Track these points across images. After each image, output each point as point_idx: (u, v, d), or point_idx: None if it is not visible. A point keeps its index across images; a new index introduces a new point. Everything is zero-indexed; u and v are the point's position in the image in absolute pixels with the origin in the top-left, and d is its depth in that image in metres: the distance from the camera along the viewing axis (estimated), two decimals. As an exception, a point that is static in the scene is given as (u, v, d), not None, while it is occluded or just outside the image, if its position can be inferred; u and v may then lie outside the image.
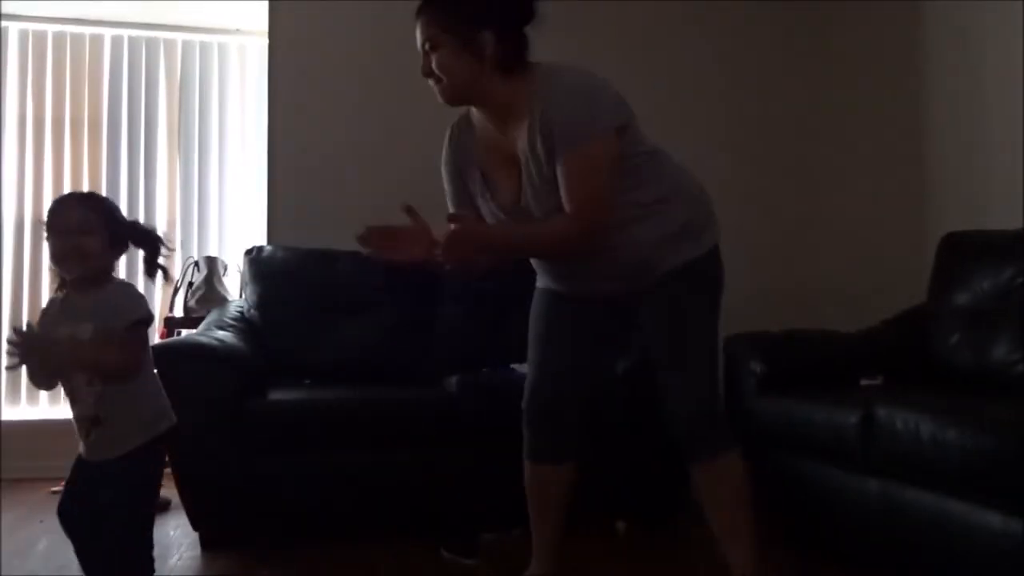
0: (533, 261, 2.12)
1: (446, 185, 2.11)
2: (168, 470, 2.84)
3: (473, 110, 2.01)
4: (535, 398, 2.14)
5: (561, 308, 2.11)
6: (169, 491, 3.02)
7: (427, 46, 1.87)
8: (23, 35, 3.95)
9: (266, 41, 3.76)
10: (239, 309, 3.26)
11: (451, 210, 2.06)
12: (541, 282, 2.17)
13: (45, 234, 1.72)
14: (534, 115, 1.85)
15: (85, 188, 3.98)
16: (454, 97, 1.91)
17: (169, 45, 4.07)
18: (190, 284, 3.50)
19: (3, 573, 2.37)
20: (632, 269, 1.96)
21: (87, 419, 1.67)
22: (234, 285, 3.66)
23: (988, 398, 2.29)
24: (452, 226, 1.85)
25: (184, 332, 3.32)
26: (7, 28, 3.91)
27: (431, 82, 1.90)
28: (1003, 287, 2.63)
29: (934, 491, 2.03)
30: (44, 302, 3.94)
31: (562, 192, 1.84)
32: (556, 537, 2.18)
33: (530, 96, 1.86)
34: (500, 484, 2.73)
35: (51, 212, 1.74)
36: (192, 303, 3.45)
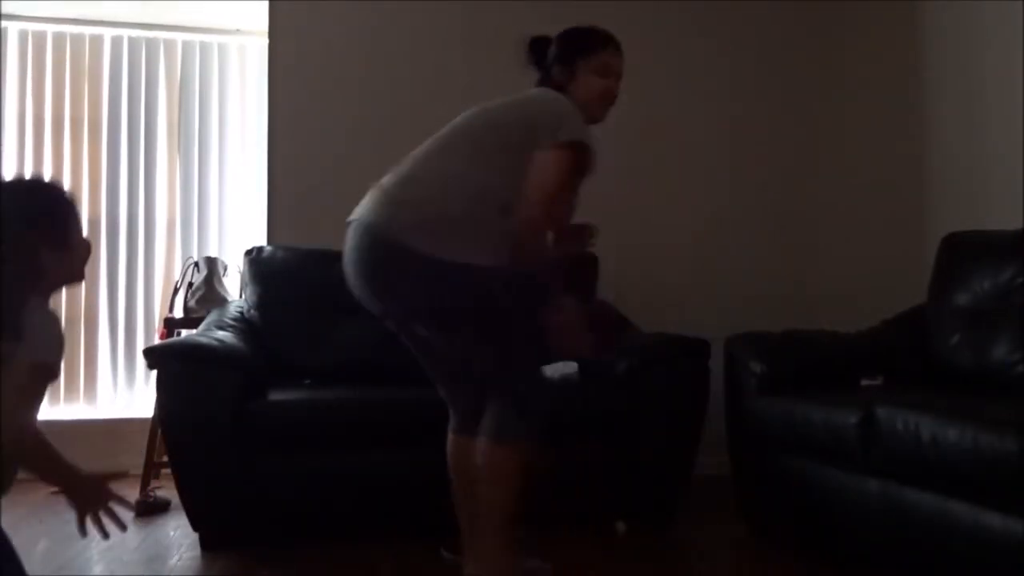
0: None
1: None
2: (168, 470, 2.86)
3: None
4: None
5: None
6: (169, 491, 3.03)
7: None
8: (23, 35, 3.95)
9: (266, 41, 3.76)
10: (239, 309, 3.26)
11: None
12: None
13: (61, 238, 1.51)
14: None
15: (86, 188, 3.99)
16: None
17: (169, 45, 4.07)
18: (190, 284, 3.50)
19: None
20: None
21: None
22: (234, 285, 3.66)
23: (988, 398, 2.29)
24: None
25: (184, 332, 3.32)
26: (7, 28, 3.91)
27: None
28: (1003, 287, 2.64)
29: (934, 491, 2.03)
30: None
31: None
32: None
33: None
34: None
35: (74, 214, 1.54)
36: (192, 303, 3.45)
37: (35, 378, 1.42)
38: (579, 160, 2.03)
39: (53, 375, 1.45)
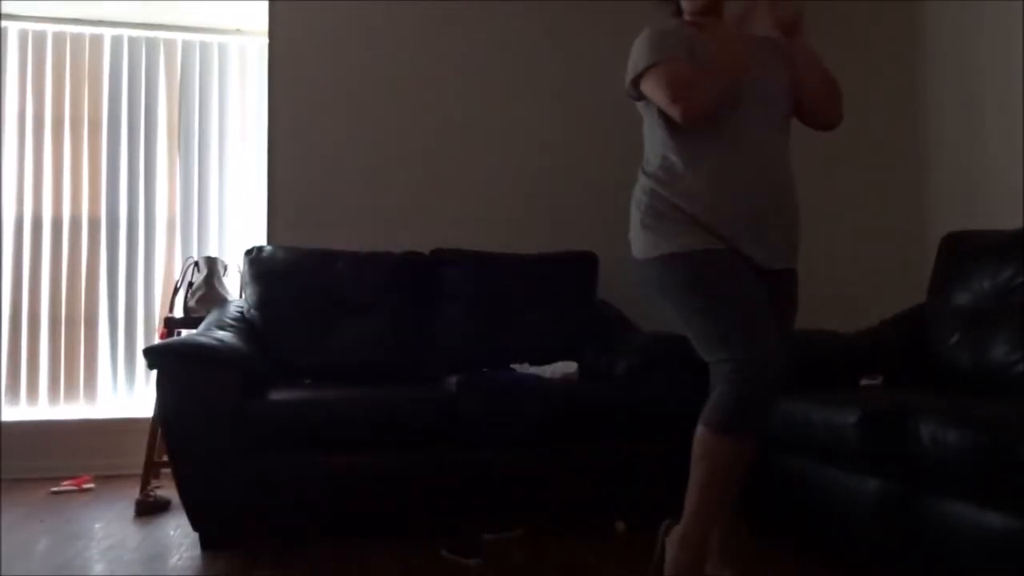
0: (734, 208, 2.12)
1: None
2: (168, 470, 2.86)
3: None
4: (775, 368, 1.99)
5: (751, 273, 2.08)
6: (169, 491, 3.03)
7: None
8: (23, 35, 3.96)
9: (266, 41, 3.76)
10: (239, 309, 3.26)
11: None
12: (709, 241, 2.05)
13: None
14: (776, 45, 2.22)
15: (86, 188, 3.99)
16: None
17: (169, 45, 4.07)
18: (190, 284, 3.50)
19: (3, 573, 2.37)
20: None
21: None
22: (234, 285, 3.66)
23: (988, 398, 2.29)
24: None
25: (184, 332, 3.32)
26: (7, 28, 3.91)
27: None
28: (1003, 287, 2.64)
29: (933, 491, 2.04)
30: (43, 303, 3.97)
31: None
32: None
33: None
34: (500, 484, 2.74)
35: None
36: (192, 303, 3.45)
37: None
38: (657, 76, 2.14)
39: None
